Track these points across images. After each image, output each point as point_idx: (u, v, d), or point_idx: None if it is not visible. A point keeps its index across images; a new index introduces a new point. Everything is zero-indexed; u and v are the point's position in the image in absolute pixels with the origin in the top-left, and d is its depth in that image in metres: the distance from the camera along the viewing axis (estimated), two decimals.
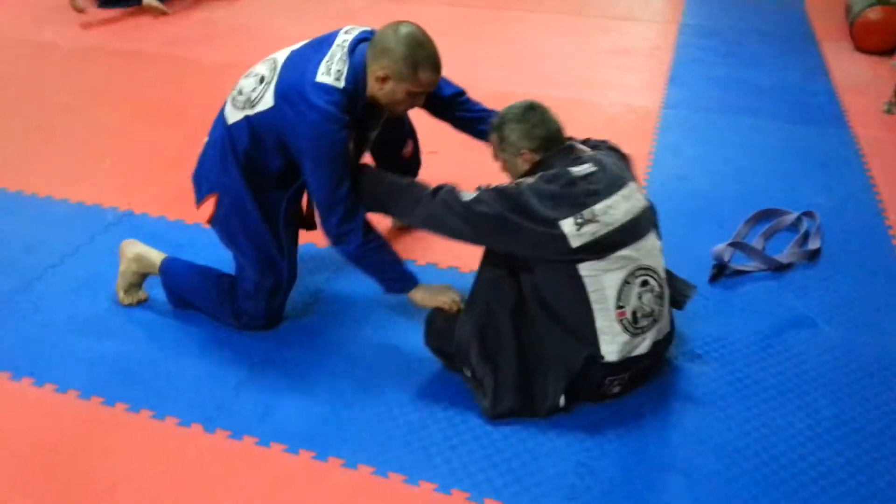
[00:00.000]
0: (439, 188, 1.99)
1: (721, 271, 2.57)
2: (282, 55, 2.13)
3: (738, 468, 1.86)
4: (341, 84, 1.99)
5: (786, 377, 2.15)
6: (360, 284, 2.40)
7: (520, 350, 1.91)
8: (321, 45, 2.08)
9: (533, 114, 2.02)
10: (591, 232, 1.82)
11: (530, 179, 1.90)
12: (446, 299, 2.08)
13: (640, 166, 3.14)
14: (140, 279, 2.39)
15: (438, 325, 2.06)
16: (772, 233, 2.81)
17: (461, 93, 2.41)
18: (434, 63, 2.03)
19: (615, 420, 1.97)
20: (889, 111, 3.94)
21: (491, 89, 4.09)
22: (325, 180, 2.01)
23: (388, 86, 2.02)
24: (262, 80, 2.07)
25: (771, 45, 4.92)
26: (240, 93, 2.11)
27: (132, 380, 2.10)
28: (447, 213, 1.93)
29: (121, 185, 3.13)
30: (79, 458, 1.86)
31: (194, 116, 3.17)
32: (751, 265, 2.61)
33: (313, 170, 2.01)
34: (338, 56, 2.02)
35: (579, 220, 1.82)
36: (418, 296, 2.12)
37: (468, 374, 1.98)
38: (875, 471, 1.85)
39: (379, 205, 2.13)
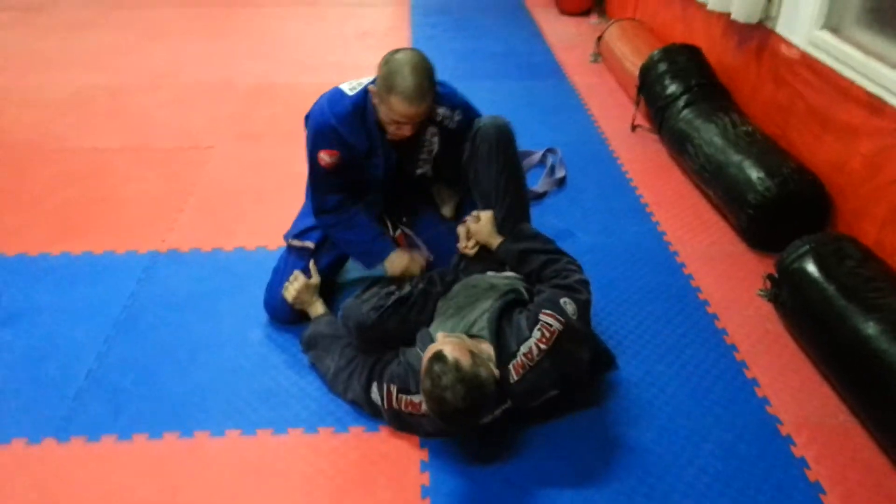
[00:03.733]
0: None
1: None
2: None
3: None
4: (352, 94, 2.12)
5: None
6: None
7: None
8: None
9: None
10: None
11: None
12: (405, 275, 2.25)
13: None
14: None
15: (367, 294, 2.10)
16: (526, 170, 3.31)
17: None
18: (405, 93, 1.97)
19: None
20: (595, 60, 4.68)
21: (254, 82, 4.26)
22: (308, 175, 2.25)
23: (376, 99, 2.07)
24: None
25: (493, 18, 5.55)
26: None
27: None
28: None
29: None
30: None
31: None
32: None
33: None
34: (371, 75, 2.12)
35: None
36: (388, 263, 2.29)
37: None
38: (631, 321, 2.36)
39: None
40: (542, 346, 1.79)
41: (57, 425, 1.98)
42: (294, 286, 2.25)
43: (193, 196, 3.10)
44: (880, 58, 2.44)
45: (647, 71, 3.59)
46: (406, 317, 2.04)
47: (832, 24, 2.76)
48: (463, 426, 1.81)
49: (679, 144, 3.23)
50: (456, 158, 2.33)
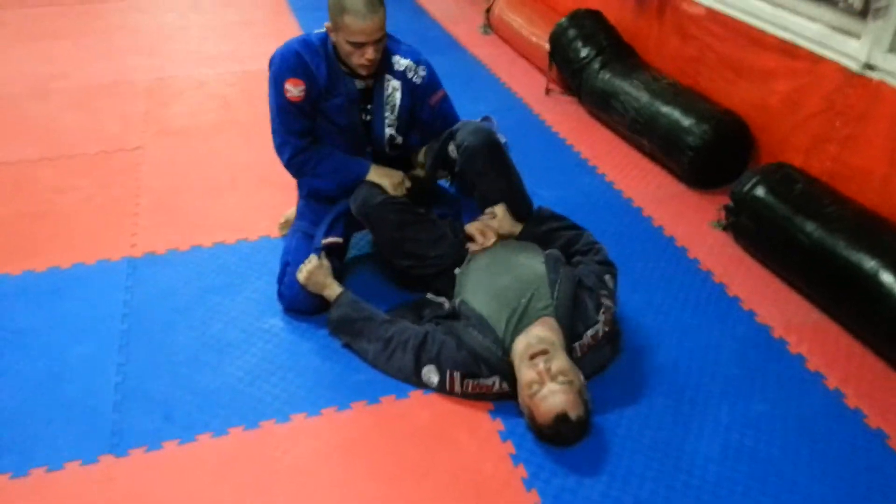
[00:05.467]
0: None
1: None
2: None
3: None
4: (317, 32, 2.24)
5: None
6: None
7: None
8: None
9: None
10: None
11: None
12: (391, 184, 2.33)
13: None
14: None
15: (362, 192, 2.27)
16: None
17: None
18: (357, 8, 2.04)
19: None
20: (486, 32, 4.88)
21: (152, 78, 4.06)
22: (274, 118, 2.33)
23: (334, 37, 2.15)
24: None
25: None
26: None
27: None
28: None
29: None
30: None
31: None
32: None
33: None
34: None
35: None
36: (373, 176, 2.34)
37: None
38: (618, 262, 2.58)
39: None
40: (606, 329, 2.01)
41: (109, 441, 1.90)
42: (307, 267, 2.26)
43: (143, 198, 2.96)
44: (788, 8, 2.82)
45: (557, 37, 3.83)
46: (407, 221, 2.21)
47: None
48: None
49: (603, 102, 3.50)
50: (423, 129, 2.44)
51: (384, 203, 2.24)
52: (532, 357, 1.83)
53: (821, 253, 2.32)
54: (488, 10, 4.83)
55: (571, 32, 3.76)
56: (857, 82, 2.52)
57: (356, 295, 2.23)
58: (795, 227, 2.42)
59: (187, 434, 1.92)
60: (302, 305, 2.30)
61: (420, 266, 2.27)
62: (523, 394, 1.85)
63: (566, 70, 3.81)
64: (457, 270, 2.24)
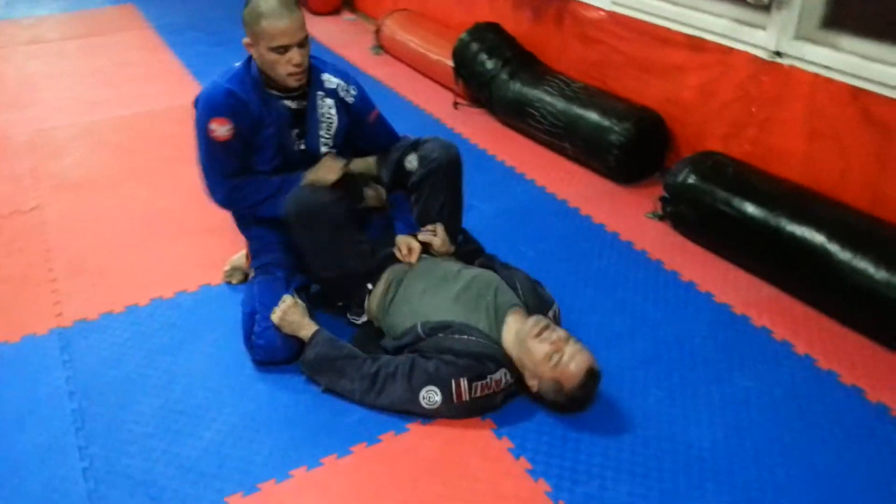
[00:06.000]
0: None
1: None
2: None
3: None
4: (237, 65, 2.17)
5: None
6: None
7: None
8: None
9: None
10: None
11: None
12: (328, 170, 2.24)
13: None
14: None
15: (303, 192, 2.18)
16: None
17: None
18: (273, 10, 2.01)
19: None
20: (377, 53, 4.85)
21: (32, 130, 3.74)
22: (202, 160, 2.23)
23: (255, 52, 2.09)
24: None
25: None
26: None
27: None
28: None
29: None
30: None
31: None
32: None
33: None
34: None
35: None
36: (309, 176, 2.24)
37: None
38: (571, 266, 2.62)
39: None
40: (557, 309, 2.18)
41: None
42: (281, 307, 2.13)
43: (55, 262, 2.69)
44: (693, 7, 2.97)
45: (460, 52, 3.85)
46: (339, 226, 2.15)
47: None
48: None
49: (517, 111, 3.55)
50: (364, 147, 2.40)
51: (326, 204, 2.14)
52: (539, 334, 1.92)
53: (766, 231, 2.44)
54: (378, 31, 4.80)
55: (475, 46, 3.79)
56: (768, 69, 2.69)
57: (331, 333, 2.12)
58: (735, 209, 2.54)
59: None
60: (279, 354, 2.14)
61: (340, 279, 2.22)
62: (543, 369, 1.90)
63: (473, 83, 3.84)
64: (369, 285, 2.22)
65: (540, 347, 1.89)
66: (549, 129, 3.38)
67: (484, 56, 3.75)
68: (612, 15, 3.32)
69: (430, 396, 1.94)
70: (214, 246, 2.73)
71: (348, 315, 2.28)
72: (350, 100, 2.30)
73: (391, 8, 5.05)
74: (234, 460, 1.88)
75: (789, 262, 2.40)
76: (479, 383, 1.93)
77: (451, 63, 3.98)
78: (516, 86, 3.57)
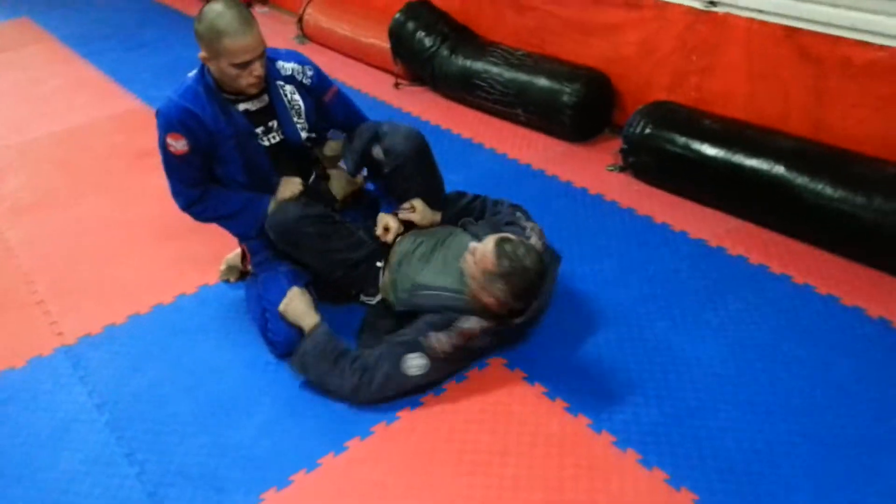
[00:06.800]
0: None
1: None
2: None
3: None
4: (190, 75, 2.15)
5: None
6: None
7: None
8: None
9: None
10: None
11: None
12: (290, 191, 2.29)
13: None
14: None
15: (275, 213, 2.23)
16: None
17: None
18: (233, 27, 1.99)
19: None
20: (301, 42, 4.83)
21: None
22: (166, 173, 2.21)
23: (214, 66, 2.07)
24: None
25: (156, 29, 5.29)
26: None
27: None
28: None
29: None
30: None
31: None
32: None
33: None
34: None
35: None
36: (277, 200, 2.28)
37: None
38: (553, 221, 2.77)
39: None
40: (543, 242, 2.19)
41: None
42: (287, 296, 2.18)
43: (37, 284, 2.62)
44: None
45: (397, 32, 3.90)
46: (327, 232, 2.22)
47: None
48: (535, 296, 2.02)
49: (464, 85, 3.65)
50: (325, 127, 2.45)
51: (300, 218, 2.20)
52: (468, 255, 2.00)
53: (725, 168, 2.66)
54: (300, 20, 4.78)
55: (411, 25, 3.86)
56: (705, 18, 2.90)
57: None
58: (694, 151, 2.75)
59: (251, 498, 1.78)
60: (296, 346, 2.16)
61: (349, 273, 2.27)
62: (473, 272, 1.96)
63: (414, 62, 3.91)
64: (379, 263, 2.29)
65: (468, 267, 1.98)
66: (499, 99, 3.50)
67: (422, 34, 3.82)
68: None
69: (414, 362, 1.98)
70: (200, 247, 2.71)
71: (362, 297, 2.32)
72: (307, 81, 2.31)
73: None
74: (290, 438, 1.93)
75: (751, 193, 2.63)
76: (451, 333, 1.99)
77: (384, 45, 4.04)
78: (459, 60, 3.67)
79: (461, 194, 2.48)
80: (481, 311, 2.01)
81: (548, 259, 2.13)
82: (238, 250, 2.52)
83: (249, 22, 2.03)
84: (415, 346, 1.99)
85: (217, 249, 2.64)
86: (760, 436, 1.86)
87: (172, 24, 5.38)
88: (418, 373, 1.99)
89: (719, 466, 1.79)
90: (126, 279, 2.62)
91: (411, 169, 2.32)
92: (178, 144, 2.14)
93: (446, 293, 2.07)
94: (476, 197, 2.46)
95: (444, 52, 3.74)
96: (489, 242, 1.96)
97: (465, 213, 2.41)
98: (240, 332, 2.32)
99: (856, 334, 2.16)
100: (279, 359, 2.20)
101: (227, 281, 2.55)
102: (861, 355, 2.08)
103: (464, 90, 3.68)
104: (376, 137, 2.35)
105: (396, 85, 4.05)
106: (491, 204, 2.42)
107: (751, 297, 2.34)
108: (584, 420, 1.94)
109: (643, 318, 2.28)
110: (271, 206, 2.28)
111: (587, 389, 2.03)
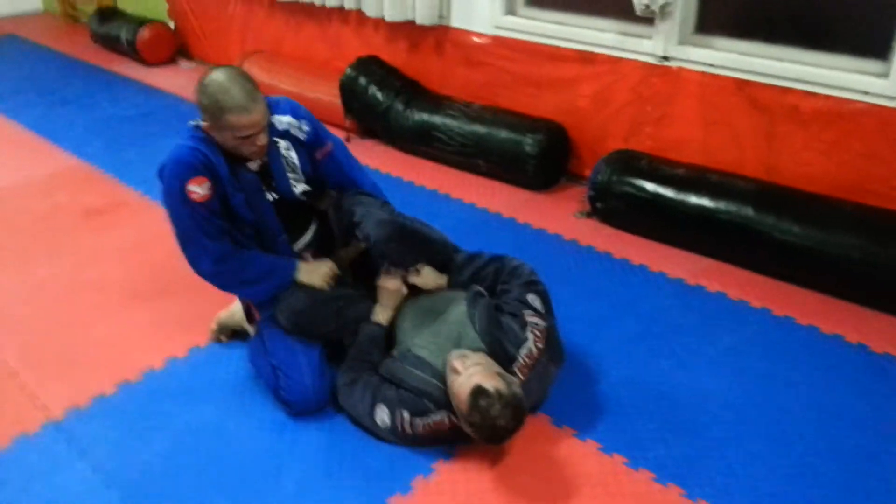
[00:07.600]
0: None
1: None
2: None
3: None
4: (190, 125, 2.10)
5: None
6: None
7: None
8: None
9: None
10: None
11: None
12: (322, 280, 2.22)
13: None
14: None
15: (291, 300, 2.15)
16: None
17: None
18: (238, 104, 1.95)
19: None
20: None
21: None
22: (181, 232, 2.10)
23: (217, 135, 2.04)
24: None
25: (92, 88, 5.09)
26: None
27: None
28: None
29: None
30: None
31: None
32: None
33: None
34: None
35: None
36: (302, 277, 2.21)
37: None
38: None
39: None
40: (540, 346, 2.03)
41: None
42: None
43: (7, 355, 2.42)
44: (579, 25, 3.33)
45: (349, 87, 3.93)
46: (341, 308, 2.20)
47: (510, 10, 3.58)
48: (508, 438, 1.91)
49: (421, 138, 3.72)
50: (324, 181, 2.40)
51: (313, 306, 2.17)
52: (454, 370, 1.91)
53: (696, 211, 2.83)
54: None
55: (363, 80, 3.90)
56: (658, 72, 3.11)
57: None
58: (661, 196, 2.92)
59: None
60: (313, 403, 2.13)
61: (359, 330, 2.23)
62: (451, 397, 1.90)
63: (367, 116, 3.95)
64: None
65: (450, 378, 1.92)
66: (459, 150, 3.58)
67: (374, 88, 3.87)
68: (496, 39, 3.61)
69: (381, 416, 2.00)
70: (178, 308, 2.60)
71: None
72: (302, 136, 2.26)
73: (236, 52, 5.01)
74: (330, 501, 1.87)
75: (720, 234, 2.80)
76: (420, 421, 1.96)
77: (330, 99, 4.06)
78: (415, 114, 3.74)
79: (475, 256, 2.34)
80: (458, 410, 1.91)
81: (546, 360, 2.05)
82: (231, 308, 2.43)
83: (254, 96, 1.98)
84: (388, 405, 2.00)
85: (197, 309, 2.54)
86: (787, 461, 1.96)
87: (94, 80, 5.21)
88: (382, 428, 2.00)
89: (759, 492, 1.87)
90: (106, 345, 2.46)
91: (395, 249, 2.25)
92: (202, 189, 2.04)
93: (431, 381, 1.99)
94: (491, 261, 2.31)
95: (399, 105, 3.80)
96: (465, 385, 1.83)
97: (476, 280, 2.27)
98: (245, 393, 2.23)
99: (842, 359, 2.33)
100: (295, 417, 2.13)
101: (218, 341, 2.45)
102: (850, 378, 2.25)
103: (421, 142, 3.74)
104: (355, 224, 2.29)
105: (348, 139, 4.06)
106: (506, 273, 2.25)
107: (737, 330, 2.48)
108: (619, 458, 1.98)
109: (646, 354, 2.37)
110: (297, 275, 2.20)
111: (614, 428, 2.08)
